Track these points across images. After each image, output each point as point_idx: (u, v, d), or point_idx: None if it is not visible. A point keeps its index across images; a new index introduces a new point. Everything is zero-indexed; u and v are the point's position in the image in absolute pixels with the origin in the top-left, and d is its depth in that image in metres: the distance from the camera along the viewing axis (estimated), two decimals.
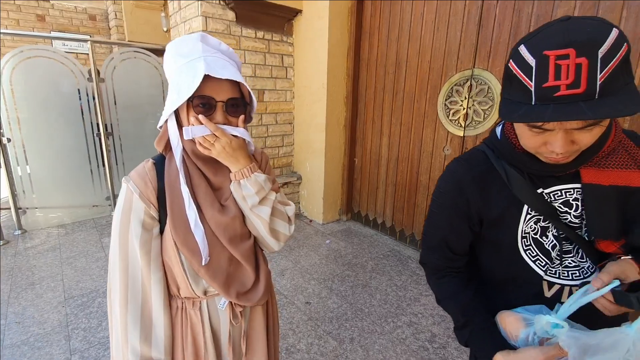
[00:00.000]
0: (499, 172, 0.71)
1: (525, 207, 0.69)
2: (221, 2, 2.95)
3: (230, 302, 0.85)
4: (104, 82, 3.54)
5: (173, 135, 0.77)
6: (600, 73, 0.49)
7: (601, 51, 0.49)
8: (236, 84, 0.77)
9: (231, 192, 0.82)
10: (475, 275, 0.83)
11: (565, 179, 0.67)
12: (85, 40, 3.51)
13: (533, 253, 0.70)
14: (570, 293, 0.68)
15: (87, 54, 6.04)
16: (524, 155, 0.67)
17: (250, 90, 0.79)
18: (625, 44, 0.51)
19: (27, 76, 3.19)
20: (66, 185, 3.57)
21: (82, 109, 3.49)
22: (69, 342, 1.91)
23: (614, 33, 0.50)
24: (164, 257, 0.78)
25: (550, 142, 0.58)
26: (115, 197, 3.81)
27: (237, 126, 0.78)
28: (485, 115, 2.42)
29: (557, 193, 0.67)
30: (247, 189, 0.81)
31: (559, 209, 0.67)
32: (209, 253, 0.78)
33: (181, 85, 0.71)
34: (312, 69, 3.33)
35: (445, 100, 2.66)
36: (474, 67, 2.44)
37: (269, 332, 0.97)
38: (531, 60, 0.53)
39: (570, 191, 0.66)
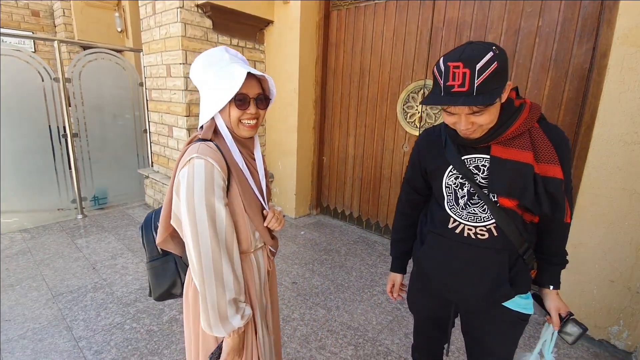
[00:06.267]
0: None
1: (450, 166, 0.99)
2: (199, 10, 3.13)
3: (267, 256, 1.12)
4: (71, 83, 3.50)
5: (224, 128, 0.95)
6: (477, 79, 0.77)
7: (478, 65, 0.76)
8: (258, 82, 0.97)
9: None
10: (416, 223, 1.21)
11: (481, 150, 0.94)
12: (52, 40, 3.42)
13: (449, 198, 1.00)
14: (463, 230, 0.97)
15: (32, 51, 5.72)
16: (453, 131, 0.96)
17: (273, 84, 0.98)
18: (495, 62, 0.76)
19: None
20: (29, 188, 3.44)
21: (47, 110, 3.41)
22: (71, 331, 1.98)
23: (490, 54, 0.76)
24: (233, 217, 0.95)
25: (457, 122, 0.87)
26: (82, 199, 3.74)
27: (260, 116, 0.98)
28: (436, 118, 2.92)
29: (472, 159, 0.95)
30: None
31: (472, 170, 0.95)
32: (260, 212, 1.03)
33: (223, 86, 0.88)
34: (283, 74, 3.63)
35: (403, 105, 3.12)
36: (426, 78, 2.93)
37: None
38: (442, 67, 0.81)
39: (481, 159, 0.94)
